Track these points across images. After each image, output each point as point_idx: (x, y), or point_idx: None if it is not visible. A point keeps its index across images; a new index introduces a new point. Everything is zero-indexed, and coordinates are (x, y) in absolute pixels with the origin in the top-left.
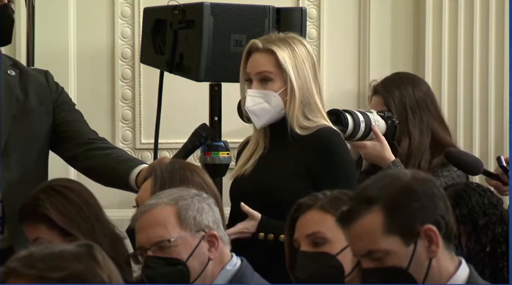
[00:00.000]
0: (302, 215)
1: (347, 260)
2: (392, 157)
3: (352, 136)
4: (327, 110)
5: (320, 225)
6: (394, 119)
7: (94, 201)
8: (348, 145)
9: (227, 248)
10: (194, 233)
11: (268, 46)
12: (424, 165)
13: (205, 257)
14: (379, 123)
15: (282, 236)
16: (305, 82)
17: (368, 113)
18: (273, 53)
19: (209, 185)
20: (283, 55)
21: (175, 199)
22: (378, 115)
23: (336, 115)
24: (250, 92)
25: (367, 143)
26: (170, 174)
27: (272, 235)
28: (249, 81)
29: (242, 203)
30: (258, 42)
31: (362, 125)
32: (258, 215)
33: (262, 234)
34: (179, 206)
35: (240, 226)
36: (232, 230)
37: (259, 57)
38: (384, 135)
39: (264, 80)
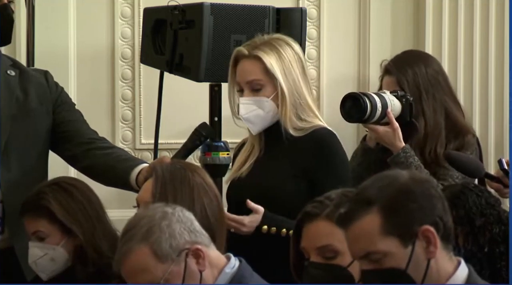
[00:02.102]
0: (310, 224)
1: (357, 270)
2: (402, 144)
3: (369, 119)
4: (327, 110)
5: (331, 238)
6: (408, 97)
7: (97, 200)
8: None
9: (213, 250)
10: (176, 258)
11: (254, 52)
12: (440, 150)
13: (196, 273)
14: (394, 103)
15: (284, 230)
16: (294, 84)
17: (382, 94)
18: (259, 60)
19: (210, 185)
20: (270, 60)
21: (144, 236)
22: (392, 95)
23: (354, 99)
24: (242, 100)
25: (380, 129)
26: (171, 174)
27: (275, 228)
28: (240, 91)
29: (248, 200)
30: (244, 50)
31: (379, 106)
32: (261, 209)
33: (265, 227)
34: (151, 243)
35: (244, 218)
36: (234, 217)
37: (246, 64)
38: (401, 114)
39: (255, 88)
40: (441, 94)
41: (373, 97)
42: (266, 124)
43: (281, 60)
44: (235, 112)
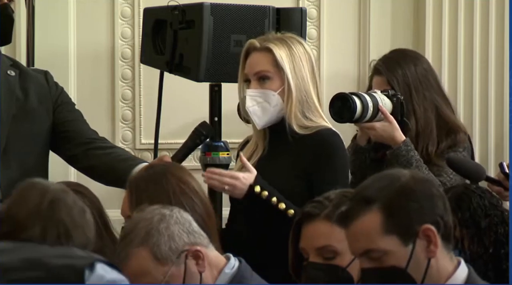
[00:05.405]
0: (309, 224)
1: (356, 271)
2: (403, 137)
3: (361, 118)
4: (326, 110)
5: (330, 238)
6: (399, 96)
7: (101, 206)
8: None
9: (212, 250)
10: (176, 260)
11: (265, 44)
12: (432, 149)
13: (196, 274)
14: (385, 102)
15: (274, 199)
16: (302, 81)
17: (373, 93)
18: (270, 51)
19: (187, 183)
20: (281, 53)
21: (143, 240)
22: (383, 94)
23: (343, 99)
24: (249, 92)
25: (377, 124)
26: (145, 182)
27: (267, 193)
28: (247, 82)
29: (241, 154)
30: (255, 42)
31: (370, 105)
32: (254, 170)
33: (258, 188)
34: (150, 246)
35: (237, 173)
36: (227, 172)
37: (257, 56)
38: (392, 113)
39: (262, 79)
40: (431, 93)
41: (364, 96)
42: (271, 119)
43: (292, 56)
44: (243, 108)
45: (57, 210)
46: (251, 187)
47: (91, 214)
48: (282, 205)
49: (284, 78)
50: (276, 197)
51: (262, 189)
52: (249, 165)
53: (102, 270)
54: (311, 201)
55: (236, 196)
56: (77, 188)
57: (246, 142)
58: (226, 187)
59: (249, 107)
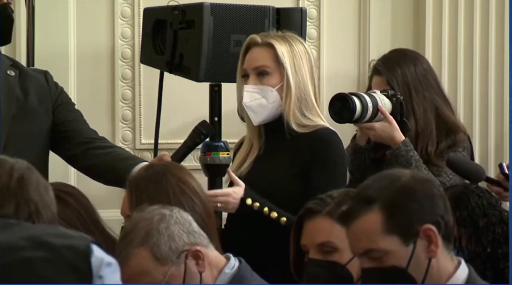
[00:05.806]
0: (310, 221)
1: (355, 269)
2: (402, 137)
3: (361, 118)
4: (326, 110)
5: (330, 235)
6: (399, 96)
7: (90, 205)
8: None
9: (212, 250)
10: (176, 261)
11: (267, 40)
12: (431, 149)
13: (196, 274)
14: (384, 102)
15: (266, 209)
16: (302, 78)
17: (373, 94)
18: (271, 47)
19: (187, 183)
20: (282, 49)
21: (143, 240)
22: (382, 94)
23: (343, 99)
24: (247, 88)
25: (376, 124)
26: (145, 182)
27: (258, 204)
28: (245, 77)
29: (229, 169)
30: (257, 37)
31: (370, 105)
32: (242, 183)
33: (249, 200)
34: (150, 246)
35: (228, 189)
36: (219, 191)
37: (258, 51)
38: (392, 113)
39: (261, 74)
40: (431, 93)
41: (363, 96)
42: (268, 116)
43: (292, 53)
44: (240, 103)
45: (25, 187)
46: (243, 200)
47: (78, 212)
48: (274, 214)
49: (283, 74)
50: (268, 207)
51: (253, 201)
52: (236, 179)
53: (98, 252)
54: (313, 198)
55: (229, 211)
56: (63, 188)
57: (241, 142)
58: (219, 205)
59: (246, 103)
